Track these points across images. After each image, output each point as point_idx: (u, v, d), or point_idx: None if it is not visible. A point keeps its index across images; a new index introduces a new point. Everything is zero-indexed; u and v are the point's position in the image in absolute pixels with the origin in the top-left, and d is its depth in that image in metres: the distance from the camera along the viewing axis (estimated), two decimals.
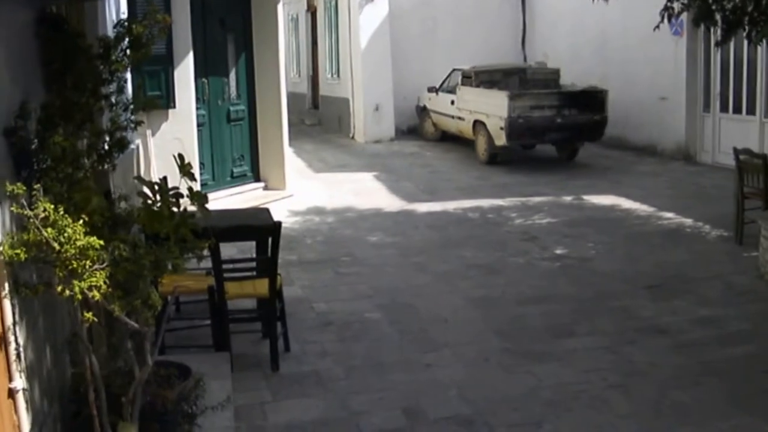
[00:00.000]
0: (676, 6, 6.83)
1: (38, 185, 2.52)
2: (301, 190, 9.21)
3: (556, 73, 11.80)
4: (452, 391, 4.05)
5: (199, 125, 8.26)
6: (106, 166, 3.13)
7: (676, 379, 4.14)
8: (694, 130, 10.78)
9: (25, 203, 2.38)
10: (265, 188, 9.09)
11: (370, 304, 5.40)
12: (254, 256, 4.92)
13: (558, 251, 6.69)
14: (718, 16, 6.77)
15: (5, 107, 2.56)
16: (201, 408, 3.15)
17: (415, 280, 5.97)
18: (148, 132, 7.39)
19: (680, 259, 6.40)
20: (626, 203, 8.46)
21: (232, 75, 8.86)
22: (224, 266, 4.22)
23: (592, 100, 10.68)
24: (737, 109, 10.20)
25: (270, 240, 4.39)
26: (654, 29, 7.20)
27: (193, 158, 7.67)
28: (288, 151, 9.36)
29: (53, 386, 2.86)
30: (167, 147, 7.21)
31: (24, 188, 2.37)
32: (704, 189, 9.16)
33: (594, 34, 12.45)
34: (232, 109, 8.85)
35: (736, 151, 6.71)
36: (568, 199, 8.78)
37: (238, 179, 8.94)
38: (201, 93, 8.39)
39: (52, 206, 2.37)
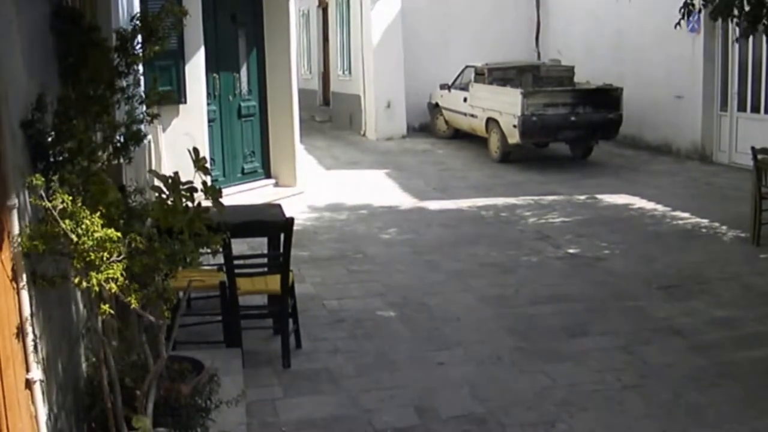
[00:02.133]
0: (697, 1, 6.74)
1: (55, 177, 2.51)
2: (312, 187, 9.19)
3: (571, 70, 11.72)
4: (465, 389, 4.02)
5: (209, 121, 8.26)
6: (122, 160, 3.12)
7: (692, 381, 4.09)
8: (710, 129, 10.66)
9: (43, 194, 2.37)
10: (276, 185, 9.08)
11: (382, 302, 5.38)
12: (266, 252, 4.91)
13: (571, 250, 6.64)
14: (737, 11, 6.68)
15: (23, 100, 2.56)
16: (215, 403, 3.14)
17: (428, 278, 5.94)
18: (159, 127, 7.38)
19: (696, 259, 6.33)
20: (641, 203, 8.39)
21: (243, 71, 8.85)
22: (236, 262, 4.22)
23: (606, 98, 10.59)
24: (755, 108, 10.09)
25: (282, 236, 4.37)
26: (675, 26, 7.12)
27: (204, 154, 7.64)
28: (299, 148, 9.34)
29: (68, 378, 2.86)
30: (178, 142, 7.22)
31: (42, 179, 2.37)
32: (720, 189, 9.06)
33: (609, 32, 12.35)
34: (243, 104, 8.84)
35: (755, 151, 6.63)
36: (581, 198, 8.71)
37: (248, 176, 8.93)
38: (212, 88, 8.39)
39: (70, 198, 2.36)
